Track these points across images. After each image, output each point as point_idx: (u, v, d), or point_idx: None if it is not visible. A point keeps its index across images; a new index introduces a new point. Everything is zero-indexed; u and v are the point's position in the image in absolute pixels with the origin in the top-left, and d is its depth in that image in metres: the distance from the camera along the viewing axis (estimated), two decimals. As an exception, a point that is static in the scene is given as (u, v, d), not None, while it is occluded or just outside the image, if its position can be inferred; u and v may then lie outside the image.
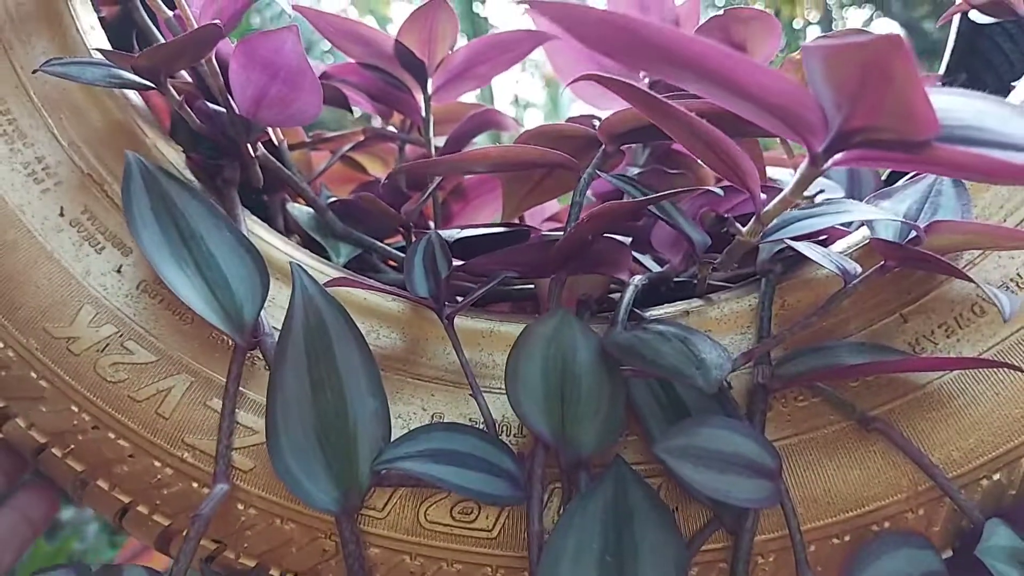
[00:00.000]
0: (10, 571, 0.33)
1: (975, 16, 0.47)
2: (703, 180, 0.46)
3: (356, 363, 0.31)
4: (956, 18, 0.51)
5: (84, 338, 0.33)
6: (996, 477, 0.31)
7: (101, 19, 0.42)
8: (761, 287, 0.35)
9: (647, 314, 0.36)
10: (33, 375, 0.33)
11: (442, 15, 0.45)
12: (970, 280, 0.29)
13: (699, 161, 0.46)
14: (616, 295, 0.39)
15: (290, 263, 0.32)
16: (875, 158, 0.21)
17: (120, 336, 0.33)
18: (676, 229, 0.33)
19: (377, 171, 0.58)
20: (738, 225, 0.28)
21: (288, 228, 0.45)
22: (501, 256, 0.34)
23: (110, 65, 0.33)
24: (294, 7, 0.44)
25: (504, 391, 0.33)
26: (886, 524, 0.31)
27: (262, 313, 0.33)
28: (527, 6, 0.22)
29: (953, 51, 0.50)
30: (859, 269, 0.31)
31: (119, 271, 0.34)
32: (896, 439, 0.31)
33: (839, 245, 0.35)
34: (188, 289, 0.32)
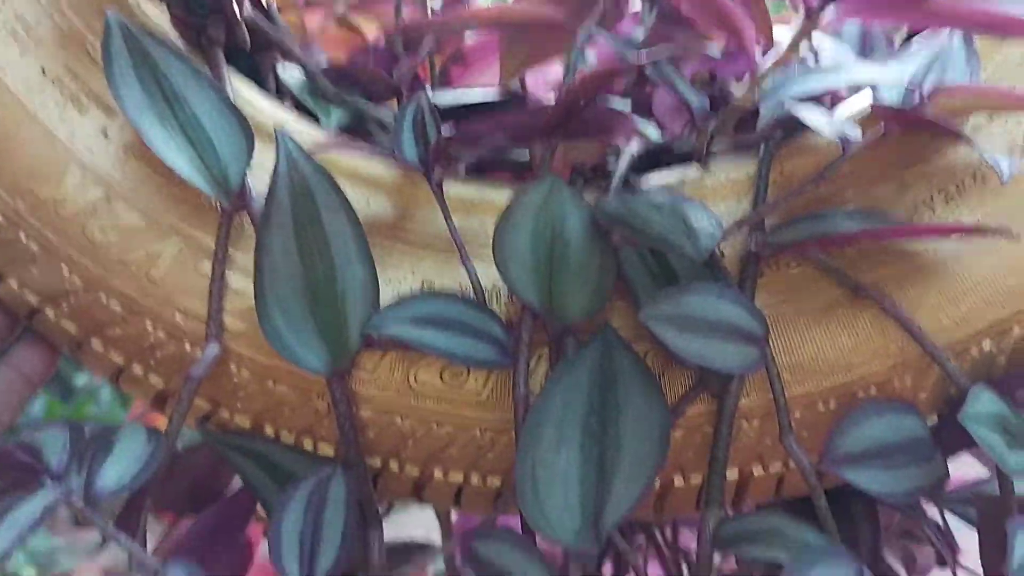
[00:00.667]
0: (10, 428, 0.34)
1: None
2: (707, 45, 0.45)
3: (344, 229, 0.31)
4: None
5: (72, 200, 0.33)
6: (986, 346, 0.31)
7: None
8: (759, 154, 0.34)
9: (642, 182, 0.35)
10: (22, 237, 0.33)
11: None
12: (971, 143, 0.28)
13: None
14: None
15: (274, 129, 0.31)
16: (872, 7, 0.20)
17: (108, 199, 0.33)
18: (674, 92, 0.32)
19: (374, 33, 0.56)
20: (731, 85, 0.27)
21: (280, 91, 0.44)
22: (491, 121, 0.34)
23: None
24: None
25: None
26: (873, 390, 0.32)
27: (248, 177, 0.32)
28: None
29: None
30: (859, 135, 0.30)
31: (105, 133, 0.34)
32: (886, 305, 0.30)
33: (843, 110, 0.34)
34: (172, 151, 0.32)
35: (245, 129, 0.32)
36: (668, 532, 0.48)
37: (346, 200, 0.31)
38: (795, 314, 0.32)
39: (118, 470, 0.29)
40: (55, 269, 0.33)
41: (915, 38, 0.39)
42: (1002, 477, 0.31)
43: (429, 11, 0.47)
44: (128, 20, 0.33)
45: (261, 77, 0.43)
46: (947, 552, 0.42)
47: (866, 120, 0.33)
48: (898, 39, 0.46)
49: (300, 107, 0.42)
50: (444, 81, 0.53)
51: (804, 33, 0.22)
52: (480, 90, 0.40)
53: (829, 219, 0.31)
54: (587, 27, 0.34)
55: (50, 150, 0.33)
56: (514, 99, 0.40)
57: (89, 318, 0.33)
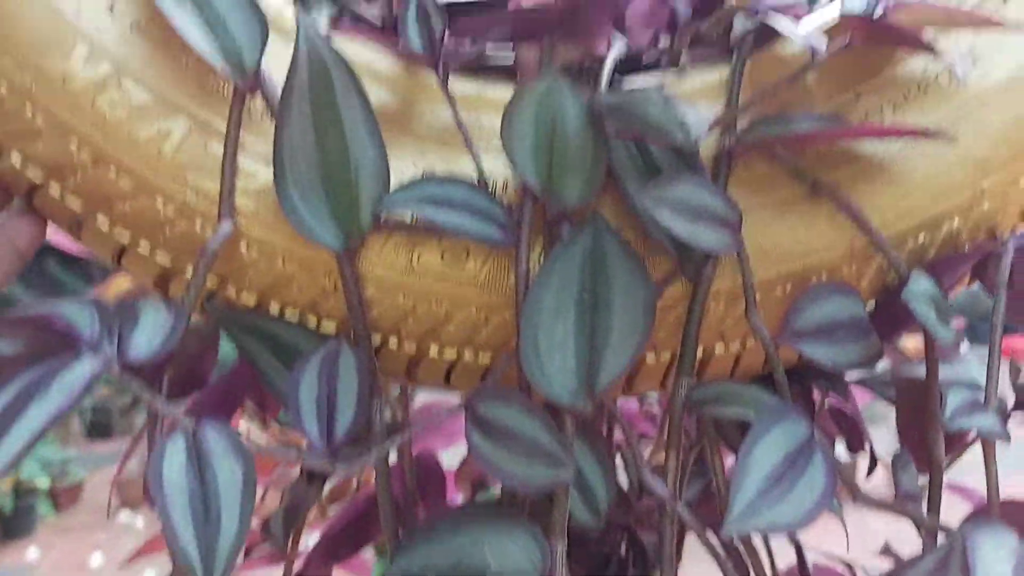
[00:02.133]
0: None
1: None
2: None
3: (358, 113, 0.33)
4: None
5: (80, 76, 0.33)
6: (920, 238, 0.36)
7: None
8: (733, 60, 0.37)
9: (623, 85, 0.38)
10: (28, 111, 0.33)
11: None
12: (933, 51, 0.32)
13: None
14: (592, 70, 0.41)
15: (295, 14, 0.32)
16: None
17: (116, 75, 0.34)
18: (663, -1, 0.35)
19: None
20: None
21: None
22: (492, 18, 0.36)
23: None
24: None
25: (491, 151, 0.36)
26: (824, 276, 0.36)
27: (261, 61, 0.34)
28: None
29: None
30: (824, 45, 0.34)
31: (111, 9, 0.34)
32: (841, 200, 0.35)
33: (808, 23, 0.38)
34: (190, 27, 0.32)
35: (259, 15, 0.33)
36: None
37: (360, 85, 0.33)
38: (760, 207, 0.36)
39: (147, 339, 0.30)
40: (63, 143, 0.33)
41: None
42: (930, 351, 0.36)
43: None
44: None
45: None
46: (858, 439, 0.49)
47: (830, 32, 0.36)
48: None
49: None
50: None
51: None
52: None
53: (794, 121, 0.35)
54: (583, -66, 0.36)
55: (57, 24, 0.33)
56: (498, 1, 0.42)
57: (96, 194, 0.34)
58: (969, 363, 0.39)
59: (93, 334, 0.30)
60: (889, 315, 0.37)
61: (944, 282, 0.35)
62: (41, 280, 4.10)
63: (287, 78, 0.32)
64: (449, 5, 0.40)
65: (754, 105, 0.34)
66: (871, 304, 0.37)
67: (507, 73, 0.43)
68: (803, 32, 0.33)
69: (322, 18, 0.40)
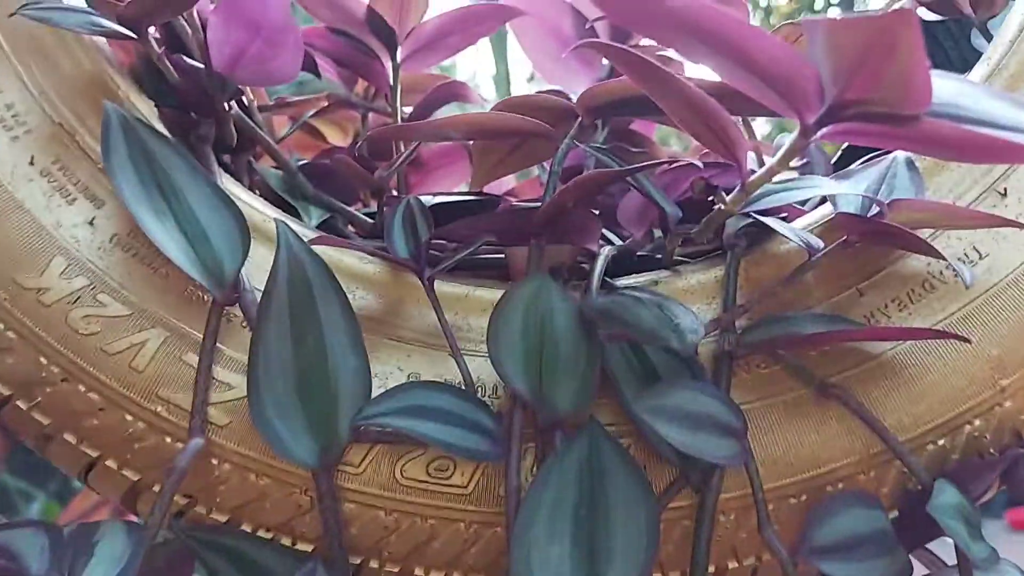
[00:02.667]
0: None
1: (922, 13, 0.49)
2: (659, 158, 0.48)
3: (338, 320, 0.32)
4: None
5: (55, 289, 0.32)
6: (941, 442, 0.33)
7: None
8: (727, 260, 0.36)
9: (615, 283, 0.37)
10: (2, 326, 0.32)
11: (415, -17, 0.45)
12: (935, 252, 0.31)
13: (654, 139, 0.49)
14: (583, 267, 0.40)
15: (275, 220, 0.32)
16: (863, 132, 0.22)
17: (92, 288, 0.33)
18: (650, 200, 0.34)
19: (337, 140, 0.58)
20: (723, 194, 0.29)
21: (253, 189, 0.45)
22: (480, 222, 0.35)
23: (92, 12, 0.33)
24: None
25: (479, 354, 0.35)
26: (840, 485, 0.33)
27: (242, 270, 0.33)
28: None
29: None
30: (822, 244, 0.33)
31: (91, 223, 0.34)
32: (852, 404, 0.33)
33: (801, 222, 0.37)
34: (169, 241, 0.32)
35: (241, 224, 0.33)
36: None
37: (342, 291, 0.32)
38: (766, 411, 0.34)
39: (101, 572, 0.28)
40: (32, 359, 0.32)
41: (852, 159, 0.43)
42: (963, 565, 0.32)
43: (400, 119, 0.49)
44: (126, 111, 0.33)
45: (236, 173, 0.44)
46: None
47: (826, 231, 0.35)
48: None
49: (276, 204, 0.43)
50: (405, 189, 0.55)
51: (795, 150, 0.24)
52: (457, 195, 0.41)
53: (796, 321, 0.33)
54: (569, 139, 0.36)
55: (35, 239, 0.33)
56: (492, 202, 0.42)
57: (65, 409, 0.32)
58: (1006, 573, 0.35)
59: (42, 569, 0.27)
60: (914, 524, 0.34)
61: (971, 490, 0.33)
62: None
63: (265, 288, 0.31)
64: (437, 206, 0.39)
65: (753, 305, 0.33)
66: (893, 512, 0.34)
67: (500, 270, 0.42)
68: (798, 232, 0.32)
69: (311, 222, 0.40)
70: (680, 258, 0.40)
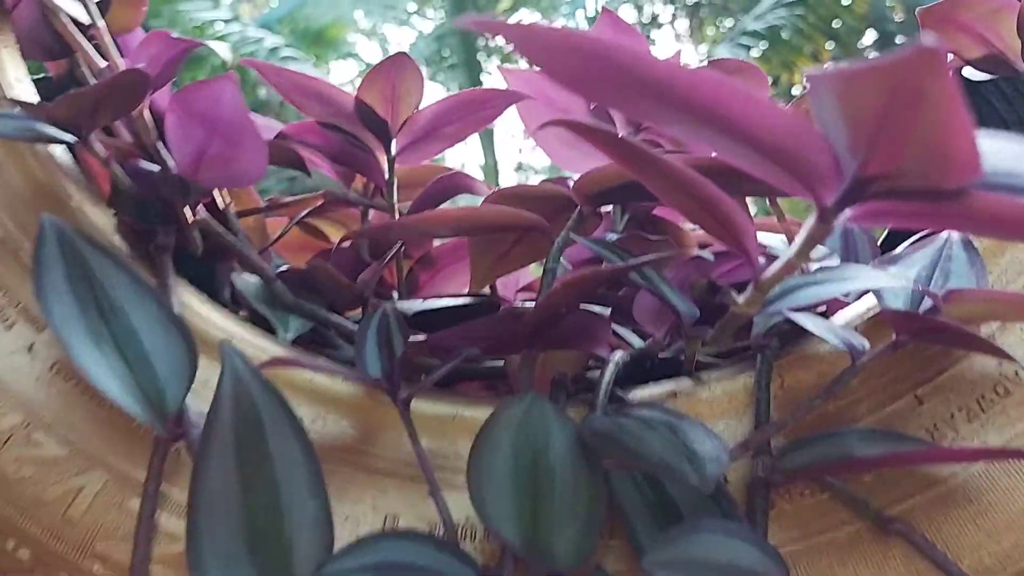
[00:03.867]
0: None
1: (968, 73, 0.44)
2: (687, 247, 0.43)
3: (294, 458, 0.27)
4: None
5: (-18, 428, 0.29)
6: (1033, 586, 0.27)
7: (48, 78, 0.39)
8: (756, 365, 0.31)
9: (630, 395, 0.32)
10: (-81, 472, 0.28)
11: (406, 71, 0.42)
12: (1002, 353, 0.25)
13: (683, 226, 0.44)
14: (595, 373, 0.35)
15: (219, 343, 0.28)
16: (897, 212, 0.17)
17: (27, 426, 0.29)
18: (660, 299, 0.29)
19: (338, 238, 0.55)
20: (733, 294, 0.24)
21: (236, 300, 0.41)
22: (464, 330, 0.31)
23: (28, 117, 0.30)
24: (243, 62, 0.41)
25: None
26: (910, 640, 0.27)
27: (190, 398, 0.29)
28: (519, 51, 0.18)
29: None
30: (867, 344, 0.28)
31: (30, 350, 0.30)
32: (918, 543, 0.27)
33: (841, 317, 0.32)
34: (103, 370, 0.28)
35: (188, 345, 0.29)
36: None
37: (298, 425, 0.27)
38: (814, 553, 0.28)
39: None
40: (-46, 508, 0.28)
41: (902, 238, 0.38)
42: None
43: (397, 215, 0.45)
44: (66, 225, 0.30)
45: (217, 285, 0.40)
46: None
47: (871, 328, 0.30)
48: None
49: (259, 317, 0.39)
50: (412, 286, 0.51)
51: (815, 238, 0.19)
52: (450, 298, 0.37)
53: (843, 440, 0.28)
54: (566, 231, 0.31)
55: (-36, 370, 0.29)
56: (487, 305, 0.38)
57: (-11, 567, 0.28)
58: None
59: None
60: None
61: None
62: None
63: (205, 426, 0.26)
64: (425, 313, 0.35)
65: (790, 420, 0.27)
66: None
67: (502, 381, 0.37)
68: (837, 331, 0.27)
69: (287, 335, 0.36)
70: (708, 360, 0.34)
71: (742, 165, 0.18)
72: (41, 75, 0.41)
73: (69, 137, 0.29)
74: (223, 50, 0.30)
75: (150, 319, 0.29)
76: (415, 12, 5.46)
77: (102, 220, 0.33)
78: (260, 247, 0.46)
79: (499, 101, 0.44)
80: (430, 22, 5.45)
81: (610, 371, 0.31)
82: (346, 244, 0.53)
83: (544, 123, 0.27)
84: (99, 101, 0.28)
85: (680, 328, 0.30)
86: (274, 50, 4.02)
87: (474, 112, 0.44)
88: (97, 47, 0.34)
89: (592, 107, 0.48)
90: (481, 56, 5.23)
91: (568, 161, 0.49)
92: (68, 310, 0.28)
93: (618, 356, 0.32)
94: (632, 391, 0.32)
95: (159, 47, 0.30)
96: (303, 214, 0.47)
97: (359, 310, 0.46)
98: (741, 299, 0.23)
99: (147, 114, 0.32)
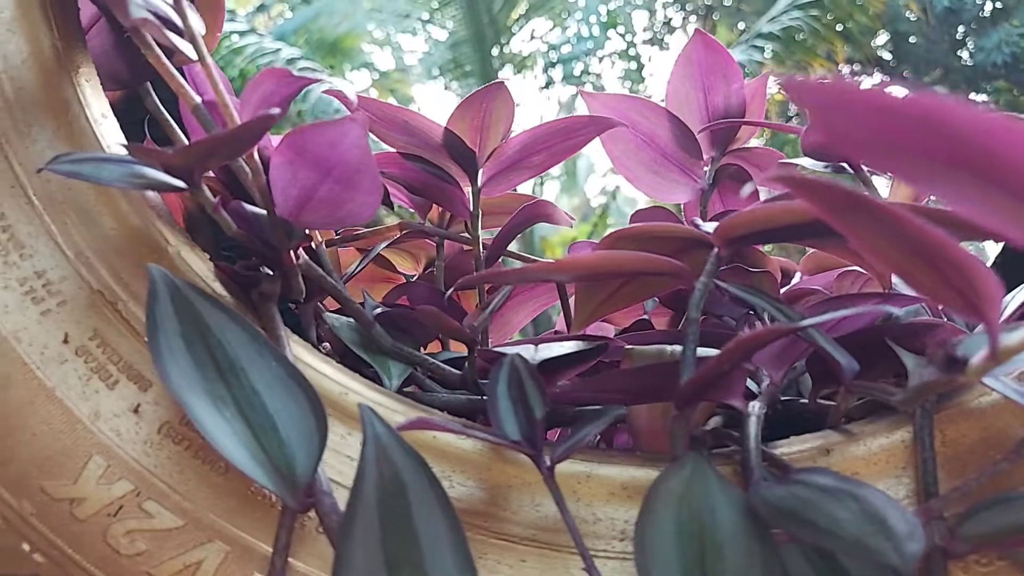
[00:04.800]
0: None
1: None
2: (776, 273, 0.41)
3: (440, 531, 0.25)
4: None
5: (92, 499, 0.26)
6: None
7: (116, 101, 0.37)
8: (916, 418, 0.29)
9: (776, 450, 0.30)
10: (26, 547, 0.26)
11: (498, 100, 0.40)
12: None
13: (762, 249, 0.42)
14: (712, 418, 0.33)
15: (359, 406, 0.25)
16: None
17: (137, 495, 0.27)
18: (823, 353, 0.27)
19: (407, 268, 0.52)
20: (964, 361, 0.22)
21: (320, 339, 0.39)
22: (608, 383, 0.28)
23: (132, 162, 0.27)
24: (328, 91, 0.39)
25: (610, 555, 0.28)
26: None
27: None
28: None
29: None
30: (1051, 403, 0.26)
31: (136, 411, 0.28)
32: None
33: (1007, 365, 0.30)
34: (227, 436, 0.26)
35: (316, 408, 0.26)
36: None
37: (443, 494, 0.25)
38: (997, 623, 0.26)
39: None
40: (64, 587, 0.26)
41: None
42: None
43: (479, 247, 0.43)
44: (177, 277, 0.28)
45: (301, 323, 0.38)
46: None
47: (1049, 382, 0.28)
48: None
49: (346, 356, 0.37)
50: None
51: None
52: (565, 342, 0.35)
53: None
54: (708, 278, 0.29)
55: (68, 435, 0.27)
56: (598, 348, 0.35)
57: (101, 652, 0.26)
58: None
59: None
60: None
61: None
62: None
63: (350, 502, 0.24)
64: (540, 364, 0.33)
65: (973, 486, 0.25)
66: None
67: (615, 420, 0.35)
68: (1020, 392, 0.25)
69: (392, 384, 0.34)
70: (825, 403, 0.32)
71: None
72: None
73: (181, 184, 0.27)
74: (349, 91, 0.28)
75: (271, 378, 0.27)
76: (428, 20, 5.45)
77: (201, 267, 0.31)
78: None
79: (588, 129, 0.42)
80: (444, 31, 5.43)
81: (754, 427, 0.29)
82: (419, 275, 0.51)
83: (770, 178, 0.25)
84: (220, 148, 0.26)
85: (840, 381, 0.28)
86: (291, 61, 4.00)
87: (563, 141, 0.42)
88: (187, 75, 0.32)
89: (676, 133, 0.46)
90: (496, 63, 5.22)
91: (653, 188, 0.47)
92: (186, 371, 0.26)
93: (756, 409, 0.30)
94: (774, 445, 0.30)
95: (274, 85, 0.28)
96: (381, 246, 0.45)
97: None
98: (973, 365, 0.21)
99: (256, 156, 0.29)
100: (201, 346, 0.27)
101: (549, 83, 5.98)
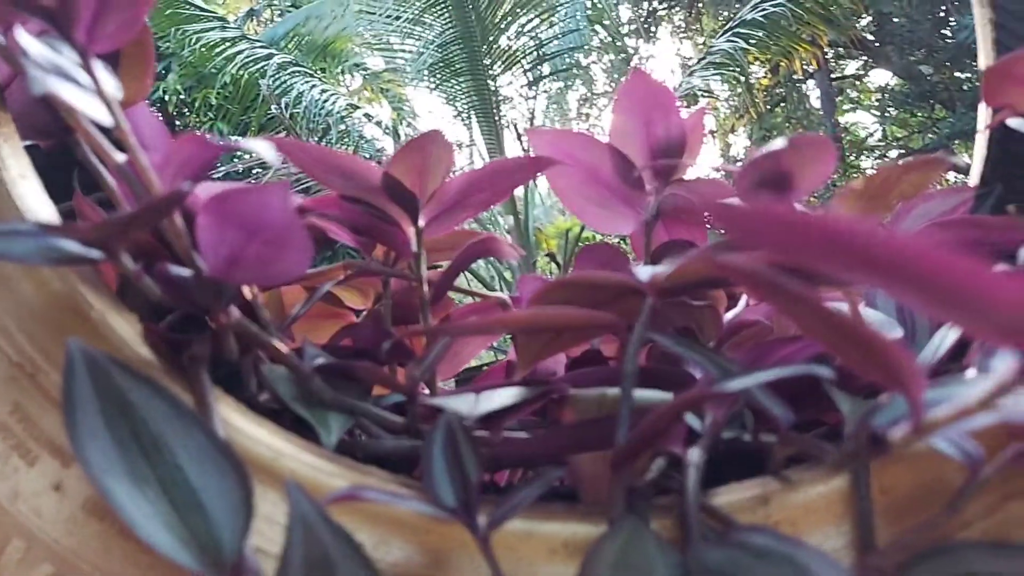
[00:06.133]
0: None
1: (1012, 122, 0.43)
2: (719, 304, 0.41)
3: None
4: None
5: (11, 584, 0.25)
6: None
7: (36, 146, 0.36)
8: (853, 466, 0.29)
9: (714, 500, 0.30)
10: (-57, 638, 0.25)
11: (436, 146, 0.39)
12: None
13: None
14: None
15: (286, 483, 0.25)
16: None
17: (59, 577, 0.26)
18: (758, 405, 0.27)
19: (355, 303, 0.52)
20: (884, 436, 0.22)
21: (260, 391, 0.38)
22: (542, 437, 0.28)
23: (48, 234, 0.26)
24: (270, 138, 0.38)
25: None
26: None
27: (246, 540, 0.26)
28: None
29: (986, 160, 0.46)
30: (983, 452, 0.26)
31: (58, 488, 0.27)
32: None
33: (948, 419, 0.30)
34: (148, 518, 0.25)
35: (243, 481, 0.26)
36: None
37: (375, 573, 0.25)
38: (937, 676, 0.26)
39: None
40: None
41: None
42: None
43: (423, 285, 0.43)
44: (96, 350, 0.27)
45: (239, 376, 0.37)
46: None
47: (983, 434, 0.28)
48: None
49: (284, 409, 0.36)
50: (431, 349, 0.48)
51: (1005, 388, 0.17)
52: (504, 388, 0.34)
53: (962, 556, 0.26)
54: (641, 328, 0.29)
55: (-13, 517, 0.26)
56: (543, 393, 0.35)
57: None
58: None
59: None
60: None
61: None
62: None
63: (275, 582, 0.23)
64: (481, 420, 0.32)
65: (912, 542, 0.25)
66: None
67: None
68: (957, 441, 0.25)
69: (331, 439, 0.33)
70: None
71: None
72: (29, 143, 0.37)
73: (98, 255, 0.26)
74: (266, 151, 0.27)
75: (197, 453, 0.26)
76: (417, 20, 5.41)
77: (126, 331, 0.30)
78: (279, 323, 0.43)
79: (527, 169, 0.42)
80: (433, 31, 5.40)
81: (693, 477, 0.29)
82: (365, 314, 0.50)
83: (717, 249, 0.25)
84: (137, 221, 0.25)
85: (777, 429, 0.28)
86: (282, 66, 3.98)
87: (503, 180, 0.41)
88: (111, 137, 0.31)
89: (618, 167, 0.46)
90: (486, 61, 5.22)
91: (597, 220, 0.47)
92: (105, 452, 0.25)
93: (695, 458, 0.30)
94: (714, 493, 0.30)
95: (194, 151, 0.27)
96: (325, 288, 0.44)
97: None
98: (899, 437, 0.21)
99: (178, 219, 0.29)
100: (122, 423, 0.26)
101: (538, 79, 5.99)
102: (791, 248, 0.13)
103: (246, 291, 0.36)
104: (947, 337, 0.30)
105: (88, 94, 0.27)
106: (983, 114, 0.45)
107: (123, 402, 0.26)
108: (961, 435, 0.26)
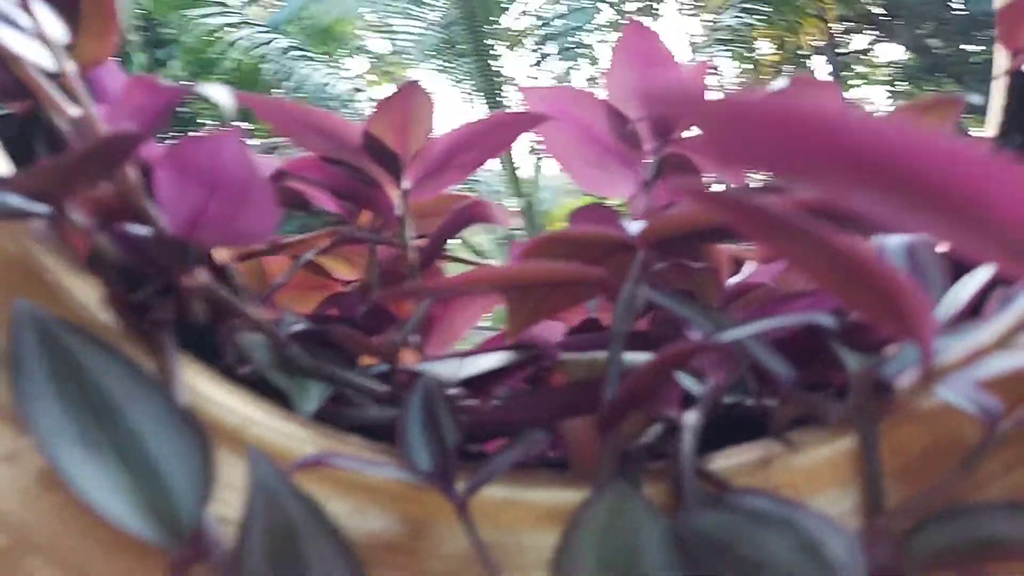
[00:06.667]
0: None
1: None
2: (721, 267, 0.39)
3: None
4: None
5: (-39, 561, 0.24)
6: None
7: (9, 115, 0.34)
8: (860, 425, 0.27)
9: (714, 464, 0.28)
10: None
11: (416, 100, 0.37)
12: None
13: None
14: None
15: (248, 448, 0.23)
16: None
17: (15, 551, 0.24)
18: (760, 364, 0.25)
19: (343, 273, 0.50)
20: (891, 385, 0.20)
21: (242, 362, 0.37)
22: (527, 403, 0.26)
23: (-9, 188, 0.25)
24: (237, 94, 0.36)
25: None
26: None
27: (208, 509, 0.24)
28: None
29: (1005, 109, 0.44)
30: (1001, 406, 0.24)
31: (11, 459, 0.25)
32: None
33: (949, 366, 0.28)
34: (101, 486, 0.23)
35: (202, 446, 0.24)
36: None
37: (343, 546, 0.23)
38: (951, 646, 0.24)
39: None
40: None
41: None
42: None
43: (408, 252, 0.41)
44: (45, 312, 0.25)
45: (218, 346, 0.36)
46: None
47: (1000, 384, 0.26)
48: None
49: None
50: (425, 321, 0.47)
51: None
52: (492, 353, 0.33)
53: (979, 519, 0.24)
54: (632, 285, 0.27)
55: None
56: (531, 357, 0.33)
57: None
58: None
59: None
60: None
61: None
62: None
63: (233, 554, 0.22)
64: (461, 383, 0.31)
65: (922, 503, 0.23)
66: None
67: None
68: (973, 397, 0.23)
69: (308, 408, 0.31)
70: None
71: (952, 241, 0.14)
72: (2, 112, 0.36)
73: (43, 209, 0.25)
74: (222, 96, 0.25)
75: (155, 417, 0.25)
76: (420, 1, 5.37)
77: (86, 294, 0.29)
78: (260, 293, 0.41)
79: (518, 126, 0.40)
80: (437, 12, 5.36)
81: (688, 440, 0.27)
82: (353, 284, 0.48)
83: (681, 189, 0.23)
84: (78, 168, 0.24)
85: (776, 390, 0.26)
86: (285, 51, 3.97)
87: (493, 138, 0.40)
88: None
89: (615, 125, 0.44)
90: (490, 40, 5.19)
91: (593, 182, 0.45)
92: (55, 417, 0.24)
93: (691, 422, 0.28)
94: (712, 457, 0.28)
95: (145, 96, 0.25)
96: (308, 256, 0.42)
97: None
98: (908, 387, 0.19)
99: (132, 172, 0.27)
100: (74, 388, 0.24)
101: (543, 58, 5.94)
102: (780, 145, 0.11)
103: (219, 256, 0.34)
104: (963, 291, 0.28)
105: (28, 37, 0.25)
106: (999, 59, 0.42)
107: (75, 366, 0.25)
108: (977, 388, 0.24)
